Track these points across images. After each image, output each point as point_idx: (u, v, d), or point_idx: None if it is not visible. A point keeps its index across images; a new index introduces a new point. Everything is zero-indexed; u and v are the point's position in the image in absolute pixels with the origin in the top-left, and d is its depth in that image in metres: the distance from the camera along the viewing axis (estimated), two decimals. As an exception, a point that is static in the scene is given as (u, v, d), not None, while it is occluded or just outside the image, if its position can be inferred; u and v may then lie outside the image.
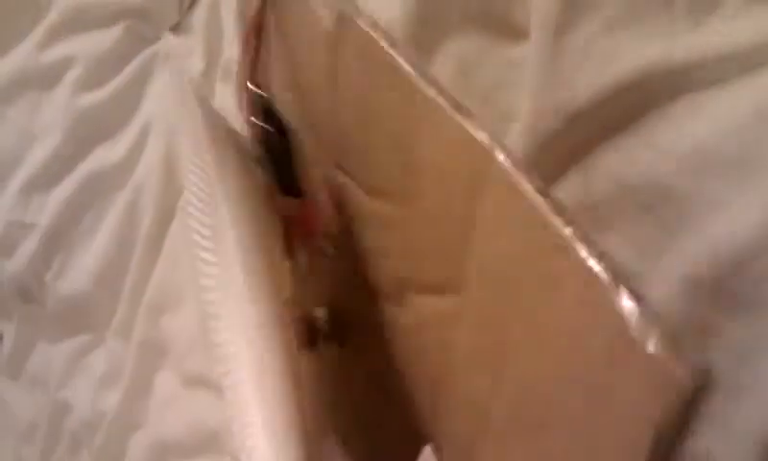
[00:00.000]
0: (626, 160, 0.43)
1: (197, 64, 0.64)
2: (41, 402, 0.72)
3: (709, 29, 0.40)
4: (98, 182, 0.68)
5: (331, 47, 0.36)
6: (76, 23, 0.69)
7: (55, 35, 0.69)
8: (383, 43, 0.31)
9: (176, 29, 0.67)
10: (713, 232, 0.40)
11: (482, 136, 0.27)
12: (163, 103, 0.65)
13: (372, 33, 0.32)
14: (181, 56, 0.66)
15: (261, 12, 0.41)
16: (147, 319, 0.65)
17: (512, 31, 0.48)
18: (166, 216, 0.65)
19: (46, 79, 0.69)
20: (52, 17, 0.69)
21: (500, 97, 0.48)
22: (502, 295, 0.28)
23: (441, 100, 0.29)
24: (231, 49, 0.62)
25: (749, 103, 0.38)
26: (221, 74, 0.63)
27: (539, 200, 0.25)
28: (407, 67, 0.30)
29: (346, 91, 0.36)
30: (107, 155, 0.68)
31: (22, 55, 0.70)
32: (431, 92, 0.29)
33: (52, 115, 0.69)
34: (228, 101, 0.62)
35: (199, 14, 0.65)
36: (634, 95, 0.42)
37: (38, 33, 0.70)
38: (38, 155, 0.69)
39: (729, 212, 0.39)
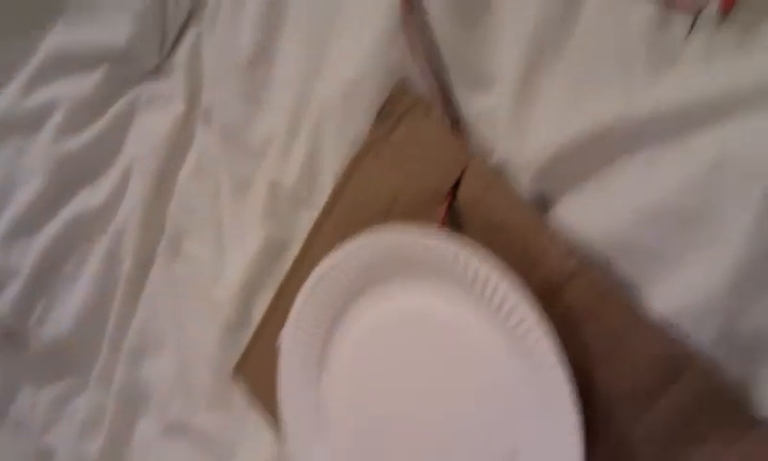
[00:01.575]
0: (585, 214, 0.42)
1: (177, 107, 0.64)
2: (25, 447, 0.72)
3: (667, 83, 0.40)
4: (80, 227, 0.68)
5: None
6: (58, 67, 0.68)
7: (38, 79, 0.69)
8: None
9: (157, 71, 0.67)
10: (671, 290, 0.39)
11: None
12: (145, 146, 0.65)
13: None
14: (163, 98, 0.66)
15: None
16: (128, 364, 0.65)
17: (481, 81, 0.48)
18: (146, 260, 0.65)
19: (29, 123, 0.69)
20: (34, 62, 0.69)
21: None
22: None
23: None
24: (212, 92, 0.61)
25: (706, 157, 0.38)
26: (202, 116, 0.63)
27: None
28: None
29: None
30: (88, 199, 0.67)
31: (6, 100, 0.70)
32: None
33: (35, 160, 0.69)
34: (209, 142, 0.62)
35: (179, 57, 0.65)
36: (594, 150, 0.42)
37: (22, 77, 0.70)
38: (21, 199, 0.69)
39: (686, 270, 0.38)
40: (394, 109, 0.50)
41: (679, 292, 0.39)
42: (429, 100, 0.49)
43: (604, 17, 0.42)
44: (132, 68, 0.67)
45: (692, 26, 0.39)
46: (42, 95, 0.69)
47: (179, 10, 0.64)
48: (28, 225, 0.69)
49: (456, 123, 0.48)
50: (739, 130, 0.37)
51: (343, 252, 0.46)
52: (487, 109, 0.47)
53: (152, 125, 0.65)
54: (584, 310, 0.42)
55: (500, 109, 0.46)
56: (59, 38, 0.69)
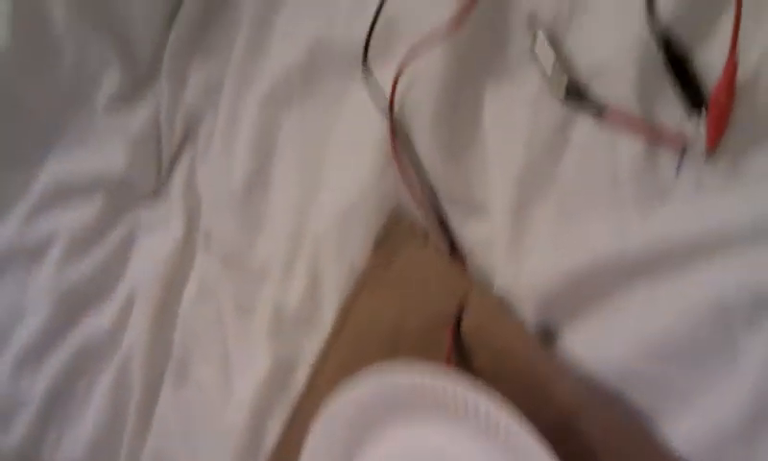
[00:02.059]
0: (591, 345, 0.42)
1: (176, 231, 0.65)
2: None
3: (659, 219, 0.40)
4: (87, 353, 0.68)
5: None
6: (56, 197, 0.69)
7: (37, 210, 0.70)
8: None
9: (154, 196, 0.67)
10: (686, 423, 0.39)
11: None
12: (146, 271, 0.65)
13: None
14: (162, 222, 0.66)
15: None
16: (143, 491, 0.64)
17: (474, 210, 0.48)
18: (155, 387, 0.65)
19: (32, 254, 0.70)
20: (33, 193, 0.70)
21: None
22: None
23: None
24: (209, 219, 0.62)
25: (708, 291, 0.38)
26: (202, 241, 0.63)
27: None
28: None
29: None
30: (94, 326, 0.68)
31: (8, 231, 0.71)
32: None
33: (39, 289, 0.69)
34: (210, 266, 0.62)
35: (176, 181, 0.66)
36: (591, 282, 0.42)
37: (21, 209, 0.70)
38: (27, 329, 0.69)
39: (700, 402, 0.38)
40: (391, 238, 0.51)
41: (693, 425, 0.39)
42: (426, 227, 0.49)
43: (592, 152, 0.42)
44: (130, 194, 0.67)
45: (680, 161, 0.39)
46: (42, 226, 0.70)
47: (173, 135, 0.65)
48: (35, 354, 0.69)
49: (454, 250, 0.49)
50: (740, 263, 0.37)
51: (348, 392, 0.46)
52: (483, 238, 0.48)
53: (152, 250, 0.66)
54: (598, 444, 0.42)
55: (496, 238, 0.46)
56: (56, 168, 0.70)
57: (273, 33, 0.59)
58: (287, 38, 0.58)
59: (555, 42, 0.45)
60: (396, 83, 0.50)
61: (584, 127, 0.43)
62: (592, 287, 0.42)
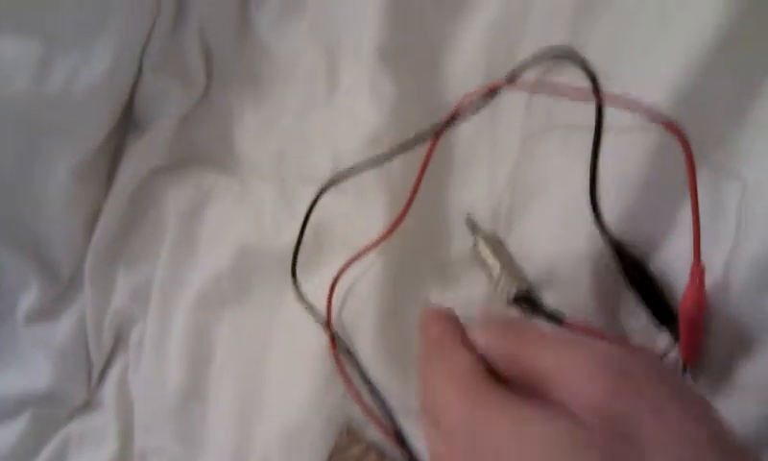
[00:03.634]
0: None
1: (111, 445, 0.60)
2: None
3: None
4: None
5: None
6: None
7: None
8: None
9: (86, 406, 0.63)
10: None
11: None
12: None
13: None
14: (95, 435, 0.62)
15: None
16: None
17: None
18: None
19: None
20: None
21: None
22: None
23: None
24: (144, 437, 0.57)
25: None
26: (137, 456, 0.58)
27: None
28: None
29: None
30: None
31: None
32: None
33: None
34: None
35: (108, 390, 0.62)
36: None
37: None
38: None
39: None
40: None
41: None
42: (380, 446, 0.46)
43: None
44: (59, 408, 0.63)
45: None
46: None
47: (101, 343, 0.62)
48: None
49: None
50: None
51: None
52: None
53: (86, 468, 0.61)
54: None
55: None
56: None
57: (199, 237, 0.57)
58: (215, 243, 0.56)
59: (497, 248, 0.43)
60: (332, 293, 0.48)
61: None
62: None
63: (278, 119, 0.56)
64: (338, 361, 0.47)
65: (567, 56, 0.34)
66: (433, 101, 0.49)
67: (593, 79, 0.33)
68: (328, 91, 0.53)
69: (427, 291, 0.47)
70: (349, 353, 0.47)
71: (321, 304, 0.49)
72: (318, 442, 0.48)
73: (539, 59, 0.36)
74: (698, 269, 0.34)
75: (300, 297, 0.50)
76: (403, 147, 0.44)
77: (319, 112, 0.53)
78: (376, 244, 0.46)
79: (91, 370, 0.62)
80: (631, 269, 0.38)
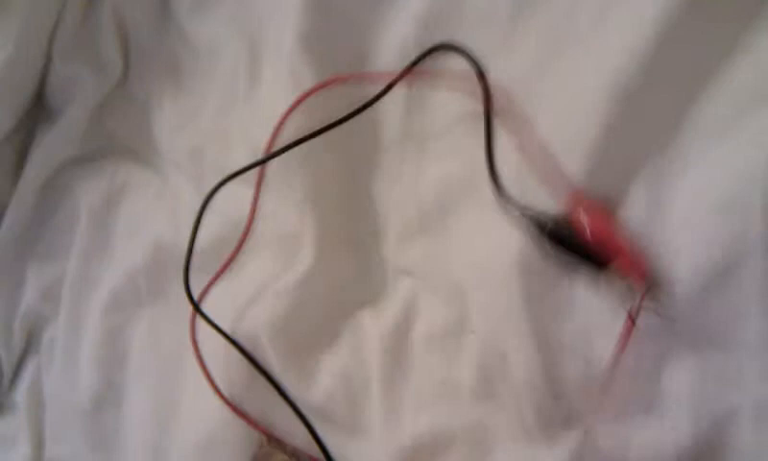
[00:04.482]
0: None
1: (24, 450, 0.57)
2: None
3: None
4: None
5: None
6: None
7: None
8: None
9: (-1, 410, 0.60)
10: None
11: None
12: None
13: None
14: (8, 440, 0.59)
15: None
16: None
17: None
18: None
19: None
20: None
21: None
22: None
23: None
24: (56, 444, 0.55)
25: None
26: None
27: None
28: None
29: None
30: None
31: None
32: None
33: None
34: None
35: (20, 393, 0.59)
36: None
37: None
38: None
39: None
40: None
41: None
42: (304, 449, 0.45)
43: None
44: (-33, 413, 0.59)
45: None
46: None
47: (12, 342, 0.58)
48: None
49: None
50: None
51: None
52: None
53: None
54: None
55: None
56: None
57: (114, 232, 0.55)
58: (130, 239, 0.54)
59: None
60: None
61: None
62: None
63: (199, 113, 0.54)
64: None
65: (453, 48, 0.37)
66: (356, 92, 0.47)
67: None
68: (250, 85, 0.51)
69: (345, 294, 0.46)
70: (256, 364, 0.45)
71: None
72: (237, 450, 0.46)
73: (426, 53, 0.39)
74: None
75: (196, 307, 0.47)
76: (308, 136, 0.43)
77: (239, 107, 0.51)
78: (227, 263, 0.46)
79: (3, 371, 0.59)
80: (549, 233, 0.37)
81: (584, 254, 0.36)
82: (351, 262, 0.46)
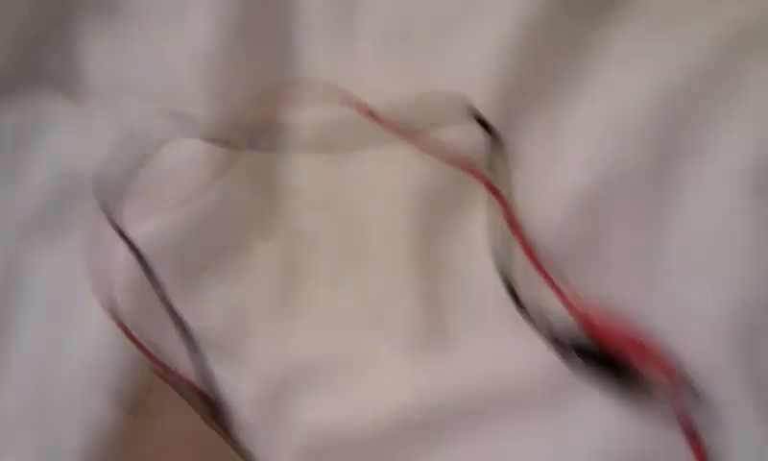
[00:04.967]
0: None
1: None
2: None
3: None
4: None
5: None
6: None
7: None
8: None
9: None
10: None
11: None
12: None
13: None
14: None
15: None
16: None
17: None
18: None
19: None
20: None
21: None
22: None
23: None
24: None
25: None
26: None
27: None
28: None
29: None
30: None
31: None
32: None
33: None
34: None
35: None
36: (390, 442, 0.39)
37: None
38: None
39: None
40: (144, 403, 0.45)
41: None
42: (185, 383, 0.44)
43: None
44: None
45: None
46: None
47: None
48: None
49: (218, 407, 0.44)
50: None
51: None
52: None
53: None
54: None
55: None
56: None
57: (24, 159, 0.54)
58: (39, 166, 0.53)
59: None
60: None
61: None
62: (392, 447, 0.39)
63: (126, 39, 0.53)
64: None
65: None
66: (282, 30, 0.47)
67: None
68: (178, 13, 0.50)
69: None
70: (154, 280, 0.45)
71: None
72: (122, 374, 0.45)
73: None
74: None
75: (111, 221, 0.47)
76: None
77: (165, 34, 0.50)
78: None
79: None
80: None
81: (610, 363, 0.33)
82: (251, 187, 0.46)
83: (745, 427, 0.30)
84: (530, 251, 0.35)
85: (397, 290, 0.40)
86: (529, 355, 0.35)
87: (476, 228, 0.38)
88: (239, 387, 0.44)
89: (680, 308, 0.32)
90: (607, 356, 0.33)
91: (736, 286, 0.30)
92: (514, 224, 0.36)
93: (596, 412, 0.34)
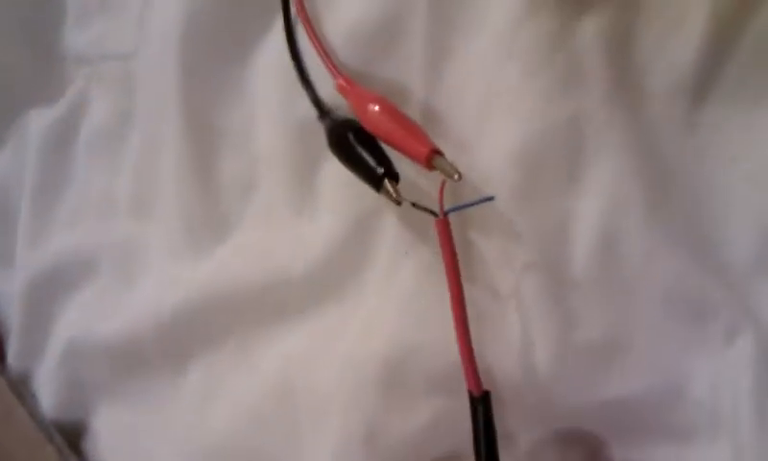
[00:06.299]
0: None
1: None
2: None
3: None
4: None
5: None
6: None
7: None
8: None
9: None
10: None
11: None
12: None
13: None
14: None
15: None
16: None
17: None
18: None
19: None
20: None
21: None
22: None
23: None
24: None
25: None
26: None
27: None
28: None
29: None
30: None
31: None
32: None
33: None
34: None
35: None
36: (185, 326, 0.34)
37: None
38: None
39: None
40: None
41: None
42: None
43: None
44: None
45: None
46: None
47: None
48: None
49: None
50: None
51: None
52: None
53: None
54: None
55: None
56: None
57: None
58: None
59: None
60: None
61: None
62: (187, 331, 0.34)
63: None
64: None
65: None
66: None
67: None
68: None
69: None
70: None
71: None
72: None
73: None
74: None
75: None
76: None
77: None
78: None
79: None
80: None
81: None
82: (25, 53, 0.41)
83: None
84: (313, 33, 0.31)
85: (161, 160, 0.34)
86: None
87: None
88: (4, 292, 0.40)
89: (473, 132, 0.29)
90: (367, 135, 0.29)
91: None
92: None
93: (373, 302, 0.31)
